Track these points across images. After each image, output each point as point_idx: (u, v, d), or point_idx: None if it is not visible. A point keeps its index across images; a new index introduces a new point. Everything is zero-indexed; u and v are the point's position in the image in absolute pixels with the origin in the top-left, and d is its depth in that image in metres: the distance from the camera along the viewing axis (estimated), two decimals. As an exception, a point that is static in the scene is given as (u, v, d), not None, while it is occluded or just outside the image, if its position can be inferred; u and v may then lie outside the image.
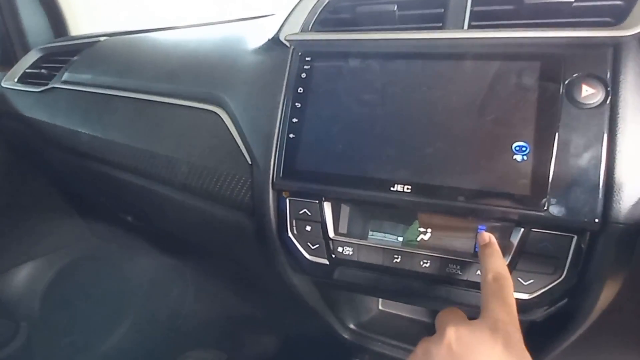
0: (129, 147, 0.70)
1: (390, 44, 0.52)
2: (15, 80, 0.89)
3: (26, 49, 0.97)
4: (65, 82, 0.80)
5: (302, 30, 0.57)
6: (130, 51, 0.78)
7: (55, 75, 0.83)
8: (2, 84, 0.89)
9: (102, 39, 0.83)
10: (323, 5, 0.57)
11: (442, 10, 0.51)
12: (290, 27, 0.57)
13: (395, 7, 0.52)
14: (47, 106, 0.81)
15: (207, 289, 1.05)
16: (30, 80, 0.88)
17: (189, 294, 1.01)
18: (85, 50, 0.83)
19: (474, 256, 0.47)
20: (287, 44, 0.56)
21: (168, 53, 0.72)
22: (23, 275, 1.05)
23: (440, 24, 0.51)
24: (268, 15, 0.70)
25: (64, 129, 0.78)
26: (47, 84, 0.83)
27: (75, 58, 0.83)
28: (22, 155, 0.98)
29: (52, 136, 0.81)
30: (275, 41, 0.57)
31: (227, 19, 0.76)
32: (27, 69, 0.90)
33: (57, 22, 1.00)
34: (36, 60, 0.91)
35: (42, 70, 0.88)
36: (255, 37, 0.63)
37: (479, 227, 0.48)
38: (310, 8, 0.57)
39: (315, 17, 0.57)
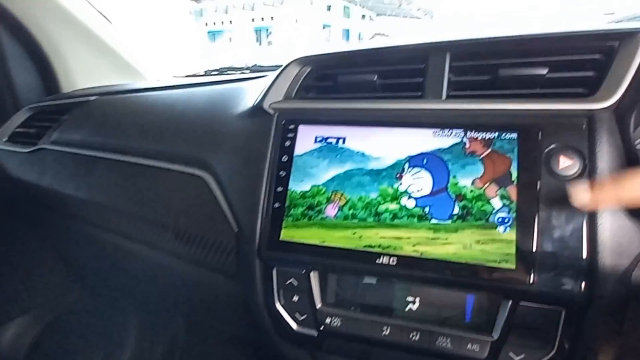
0: (116, 210, 0.69)
1: (371, 114, 0.53)
2: (4, 139, 0.89)
3: (17, 106, 0.98)
4: (53, 143, 0.80)
5: (286, 98, 0.58)
6: (119, 112, 0.79)
7: (44, 135, 0.83)
8: (-8, 144, 0.89)
9: (91, 98, 0.84)
10: (306, 74, 0.58)
11: (421, 79, 0.52)
12: (273, 94, 0.58)
13: (376, 76, 0.54)
14: (35, 167, 0.81)
15: (196, 350, 1.02)
16: (19, 140, 0.88)
17: (176, 355, 0.98)
18: (74, 110, 0.84)
19: (464, 328, 0.47)
20: (271, 111, 0.57)
21: (156, 115, 0.73)
22: (10, 332, 1.02)
23: (420, 93, 0.52)
24: (256, 78, 0.71)
25: (51, 190, 0.78)
26: (35, 144, 0.83)
27: (64, 117, 0.84)
28: (10, 213, 0.97)
29: (39, 197, 0.81)
30: (259, 108, 0.58)
31: (215, 79, 0.77)
32: (17, 128, 0.91)
33: (49, 78, 1.01)
34: (26, 120, 0.92)
35: (32, 130, 0.88)
36: (242, 101, 0.64)
37: (468, 297, 0.48)
38: (293, 76, 0.58)
39: (298, 84, 0.58)
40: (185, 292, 0.71)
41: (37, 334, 1.07)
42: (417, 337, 0.47)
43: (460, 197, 0.46)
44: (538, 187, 0.44)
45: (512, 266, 0.43)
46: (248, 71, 1.15)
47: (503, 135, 0.46)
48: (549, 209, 0.43)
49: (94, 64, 1.05)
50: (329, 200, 0.51)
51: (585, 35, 0.48)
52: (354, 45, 0.57)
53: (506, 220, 0.44)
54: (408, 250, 0.46)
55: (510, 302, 0.44)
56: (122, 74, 1.11)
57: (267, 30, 18.04)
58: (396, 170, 0.49)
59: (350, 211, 0.49)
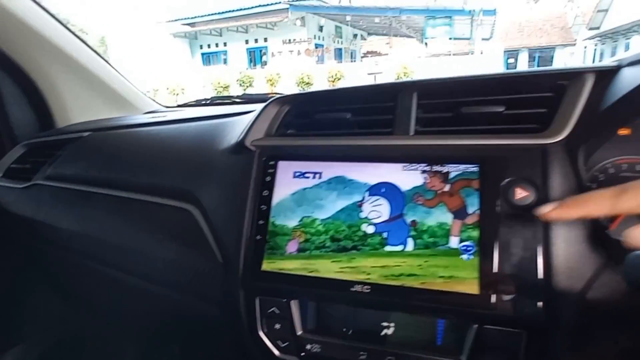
0: (108, 243, 0.72)
1: (345, 149, 0.57)
2: (0, 175, 0.92)
3: (14, 142, 1.02)
4: (47, 178, 0.84)
5: (266, 135, 0.62)
6: (112, 147, 0.83)
7: (38, 171, 0.87)
8: (-12, 180, 0.93)
9: (85, 134, 0.88)
10: (285, 112, 0.62)
11: (391, 117, 0.56)
12: (255, 132, 0.62)
13: (349, 114, 0.58)
14: (30, 202, 0.84)
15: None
16: (14, 175, 0.91)
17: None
18: (68, 146, 0.88)
19: (435, 351, 0.49)
20: (252, 148, 0.61)
21: (147, 150, 0.77)
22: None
23: (390, 130, 0.56)
24: (243, 113, 0.75)
25: (46, 224, 0.80)
26: (30, 179, 0.86)
27: (58, 153, 0.87)
28: (6, 246, 0.99)
29: (35, 230, 0.83)
30: (241, 145, 0.62)
31: (204, 115, 0.82)
32: (12, 164, 0.94)
33: (44, 114, 1.05)
34: (21, 155, 0.95)
35: (27, 165, 0.92)
36: (226, 137, 0.68)
37: (438, 321, 0.50)
38: (273, 115, 0.62)
39: (278, 122, 0.62)
40: (178, 320, 0.73)
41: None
42: None
43: (414, 223, 0.49)
44: (497, 216, 0.47)
45: (476, 292, 0.46)
46: (238, 99, 1.20)
47: (465, 168, 0.50)
48: (507, 237, 0.46)
49: (89, 98, 1.09)
50: (290, 237, 0.54)
51: (537, 75, 0.53)
52: (331, 86, 0.61)
53: (469, 249, 0.47)
54: (379, 278, 0.49)
55: (475, 326, 0.47)
56: (116, 107, 1.15)
57: (260, 51, 18.35)
58: (358, 199, 0.53)
59: (315, 243, 0.53)
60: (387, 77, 12.35)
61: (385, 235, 0.51)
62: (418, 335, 0.51)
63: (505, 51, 18.08)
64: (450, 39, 15.16)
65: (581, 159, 0.48)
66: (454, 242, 0.48)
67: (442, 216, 0.49)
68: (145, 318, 0.82)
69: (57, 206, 0.80)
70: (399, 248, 0.50)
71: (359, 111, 0.59)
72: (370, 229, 0.51)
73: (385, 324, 0.52)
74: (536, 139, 0.49)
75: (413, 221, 0.50)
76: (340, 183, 0.54)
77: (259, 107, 0.65)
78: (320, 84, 13.05)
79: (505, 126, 0.52)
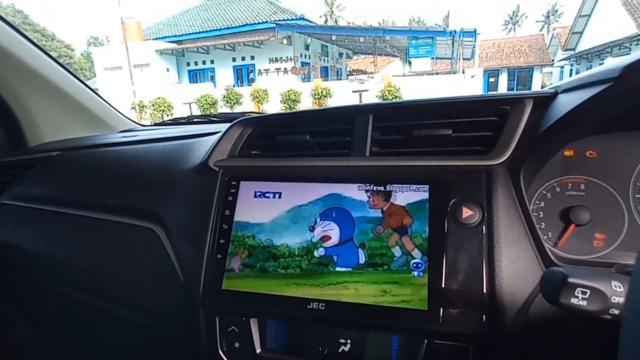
0: (71, 264, 0.72)
1: (304, 170, 0.58)
2: (-33, 195, 0.91)
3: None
4: (14, 198, 0.83)
5: (230, 156, 0.63)
6: (80, 167, 0.83)
7: (5, 190, 0.86)
8: (-46, 199, 0.91)
9: (54, 154, 0.88)
10: (247, 134, 0.64)
11: (348, 138, 0.59)
12: (218, 153, 0.63)
13: (308, 136, 0.60)
14: (-4, 222, 0.83)
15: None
16: None
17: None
18: (36, 165, 0.88)
19: None
20: (216, 169, 0.62)
21: (114, 170, 0.78)
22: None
23: (347, 151, 0.58)
24: (208, 134, 0.76)
25: (9, 245, 0.79)
26: (-3, 199, 0.86)
27: (26, 173, 0.87)
28: None
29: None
30: (205, 165, 0.63)
31: (172, 135, 0.83)
32: (-21, 183, 0.93)
33: (15, 134, 1.05)
34: (-11, 175, 0.94)
35: (-6, 185, 0.91)
36: (192, 157, 0.69)
37: (393, 337, 0.52)
38: (236, 136, 0.64)
39: (241, 144, 0.64)
40: (140, 341, 0.73)
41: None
42: None
43: (363, 245, 0.51)
44: (445, 234, 0.49)
45: (425, 308, 0.47)
46: (215, 118, 1.21)
47: (417, 188, 0.53)
48: (454, 255, 0.48)
49: (62, 118, 1.09)
50: (234, 254, 0.56)
51: (482, 101, 0.56)
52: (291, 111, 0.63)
53: (419, 265, 0.49)
54: (333, 296, 0.51)
55: (426, 342, 0.48)
56: (91, 126, 1.16)
57: (247, 69, 18.50)
58: (310, 223, 0.55)
59: (270, 263, 0.54)
60: (372, 94, 12.56)
61: (335, 258, 0.52)
62: (374, 351, 0.52)
63: (485, 71, 18.64)
64: (432, 58, 15.57)
65: (522, 177, 0.51)
66: (400, 261, 0.50)
67: (388, 238, 0.51)
68: (108, 340, 0.81)
69: (22, 226, 0.80)
70: (349, 269, 0.51)
71: (318, 133, 0.61)
72: (321, 252, 0.53)
73: (342, 340, 0.53)
74: (481, 161, 0.52)
75: (362, 244, 0.52)
76: (295, 206, 0.56)
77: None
78: (307, 101, 13.17)
79: (453, 148, 0.55)
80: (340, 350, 0.53)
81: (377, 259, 0.51)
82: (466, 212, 0.50)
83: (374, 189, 0.54)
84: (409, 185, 0.53)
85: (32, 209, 0.80)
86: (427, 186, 0.52)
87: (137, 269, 0.65)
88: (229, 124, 0.65)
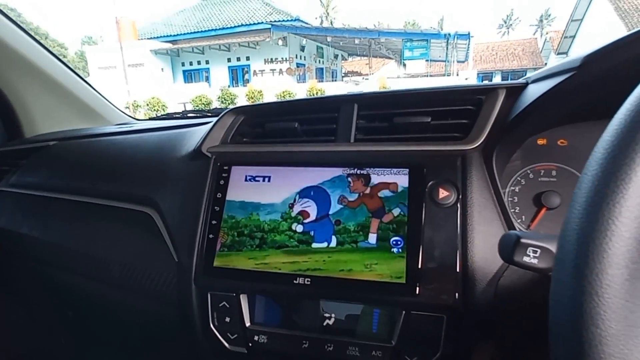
0: (68, 248, 0.74)
1: (292, 155, 0.62)
2: (-36, 183, 0.93)
3: (-21, 151, 1.03)
4: (11, 185, 0.85)
5: (222, 143, 0.66)
6: (76, 156, 0.86)
7: (2, 179, 0.88)
8: (-49, 187, 0.93)
9: (50, 143, 0.91)
10: (239, 122, 0.67)
11: (334, 126, 0.62)
12: (211, 140, 0.66)
13: (297, 124, 0.63)
14: (-7, 208, 0.86)
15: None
16: None
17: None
18: (33, 155, 0.90)
19: (370, 338, 0.54)
20: (209, 154, 0.66)
21: (109, 158, 0.80)
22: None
23: (333, 138, 0.62)
24: (201, 124, 0.79)
25: (6, 230, 0.82)
26: (-6, 187, 0.88)
27: (23, 162, 0.89)
28: None
29: (-5, 237, 0.84)
30: (198, 152, 0.66)
31: (164, 125, 0.86)
32: (-23, 171, 0.95)
33: (11, 124, 1.07)
34: (-14, 163, 0.96)
35: (-9, 173, 0.93)
36: (185, 145, 0.72)
37: (374, 310, 0.55)
38: (228, 124, 0.67)
39: (233, 131, 0.67)
40: (135, 322, 0.75)
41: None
42: (332, 348, 0.54)
43: (339, 222, 0.55)
44: (424, 214, 0.53)
45: (403, 282, 0.51)
46: (210, 114, 1.24)
47: (398, 172, 0.56)
48: (431, 232, 0.52)
49: (58, 110, 1.11)
50: (225, 234, 0.59)
51: (459, 91, 0.59)
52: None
53: (399, 243, 0.53)
54: (318, 271, 0.54)
55: (404, 313, 0.52)
56: (87, 119, 1.18)
57: (242, 69, 18.51)
58: (289, 202, 0.58)
59: (249, 240, 0.58)
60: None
61: (312, 233, 0.56)
62: (356, 324, 0.55)
63: (479, 73, 18.81)
64: (427, 60, 15.71)
65: (496, 162, 0.54)
66: (372, 238, 0.53)
67: (362, 216, 0.55)
68: (103, 322, 0.83)
69: (19, 212, 0.82)
70: (324, 244, 0.55)
71: (306, 121, 0.64)
72: (299, 228, 0.56)
73: (326, 315, 0.56)
74: (457, 146, 0.55)
75: (337, 220, 0.55)
76: (282, 189, 0.60)
77: None
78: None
79: (431, 134, 0.58)
80: (324, 324, 0.56)
81: (354, 236, 0.54)
82: (442, 193, 0.53)
83: (356, 172, 0.57)
84: (390, 169, 0.56)
85: (29, 195, 0.82)
86: (407, 170, 0.56)
87: (132, 251, 0.68)
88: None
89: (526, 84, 0.56)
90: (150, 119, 1.39)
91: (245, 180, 0.62)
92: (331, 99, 0.64)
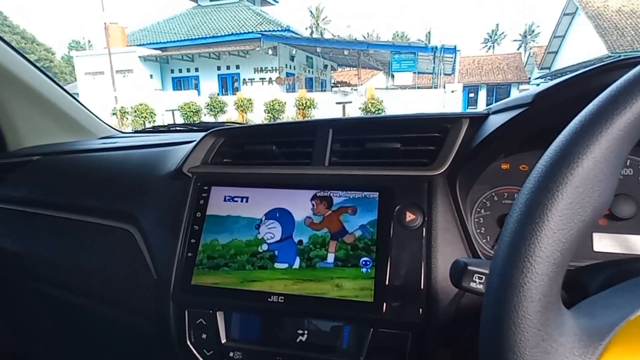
0: (50, 263, 0.75)
1: (269, 177, 0.65)
2: (-55, 196, 0.93)
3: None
4: None
5: (203, 163, 0.69)
6: (60, 171, 0.87)
7: (-15, 192, 0.89)
8: None
9: (34, 158, 0.92)
10: (220, 144, 0.70)
11: (310, 149, 0.65)
12: (192, 160, 0.69)
13: (274, 147, 0.67)
14: (-26, 222, 0.86)
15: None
16: None
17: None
18: (17, 169, 0.91)
19: (341, 353, 0.56)
20: (189, 174, 0.68)
21: (93, 174, 0.82)
22: None
23: (309, 161, 0.65)
24: (184, 142, 0.82)
25: None
26: (-24, 201, 0.88)
27: (7, 176, 0.90)
28: None
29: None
30: (179, 171, 0.69)
31: (149, 143, 0.88)
32: (-41, 185, 0.95)
33: (-5, 137, 1.07)
34: (-31, 177, 0.97)
35: (-27, 187, 0.93)
36: (167, 164, 0.75)
37: (345, 327, 0.58)
38: (209, 145, 0.70)
39: (213, 153, 0.70)
40: (114, 335, 0.76)
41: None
42: None
43: (301, 242, 0.58)
44: (391, 235, 0.56)
45: (371, 300, 0.54)
46: (195, 127, 1.26)
47: (369, 195, 0.59)
48: (398, 254, 0.55)
49: (42, 123, 1.12)
50: (202, 252, 0.62)
51: (427, 119, 0.63)
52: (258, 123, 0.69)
53: (368, 263, 0.56)
54: (291, 290, 0.57)
55: (372, 330, 0.54)
56: (71, 132, 1.19)
57: (232, 77, 18.54)
58: (256, 223, 0.61)
59: (225, 259, 0.61)
60: (355, 106, 12.79)
61: (276, 253, 0.59)
62: (327, 340, 0.58)
63: (465, 86, 19.19)
64: (415, 72, 15.98)
65: (460, 187, 0.58)
66: (330, 258, 0.56)
67: (323, 237, 0.58)
68: (83, 335, 0.84)
69: (2, 226, 0.83)
70: (285, 265, 0.58)
71: (283, 144, 0.67)
72: (264, 247, 0.60)
73: (300, 331, 0.59)
74: (424, 171, 0.59)
75: (300, 240, 0.58)
76: (257, 209, 0.62)
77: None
78: (291, 111, 13.29)
79: (401, 160, 0.62)
80: (297, 340, 0.59)
81: (313, 257, 0.57)
82: (409, 216, 0.57)
83: (321, 194, 0.60)
84: (360, 192, 0.60)
85: (12, 210, 0.83)
86: (377, 193, 0.59)
87: (113, 267, 0.69)
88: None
89: (487, 115, 0.60)
90: (135, 132, 1.40)
91: (224, 200, 0.64)
92: (308, 123, 0.67)
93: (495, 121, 0.57)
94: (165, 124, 1.39)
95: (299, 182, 0.63)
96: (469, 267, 0.36)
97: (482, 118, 0.60)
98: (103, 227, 0.73)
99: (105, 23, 15.66)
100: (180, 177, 0.69)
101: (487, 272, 0.36)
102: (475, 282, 0.36)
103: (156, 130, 1.37)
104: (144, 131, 1.42)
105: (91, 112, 1.27)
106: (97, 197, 0.77)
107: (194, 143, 0.71)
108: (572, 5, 17.07)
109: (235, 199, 0.64)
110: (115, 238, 0.71)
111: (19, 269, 0.80)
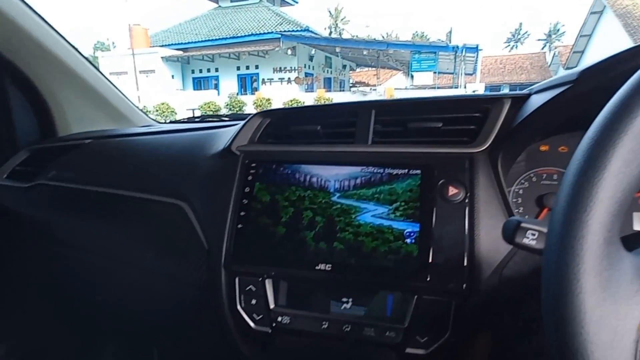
0: (104, 236, 0.81)
1: (315, 155, 0.68)
2: (4, 176, 1.00)
3: (15, 148, 1.10)
4: (50, 179, 0.92)
5: (250, 142, 0.73)
6: (111, 153, 0.93)
7: (41, 173, 0.95)
8: (-8, 180, 1.01)
9: (86, 141, 0.98)
10: (266, 124, 0.74)
11: (353, 129, 0.68)
12: (240, 139, 0.73)
13: (319, 127, 0.70)
14: (32, 200, 0.92)
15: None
16: (18, 177, 1.00)
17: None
18: (70, 151, 0.97)
19: (384, 320, 0.59)
20: (238, 152, 0.72)
21: (143, 156, 0.87)
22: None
23: (352, 140, 0.68)
24: (226, 126, 0.86)
25: (46, 220, 0.88)
26: (33, 180, 0.95)
27: (61, 157, 0.96)
28: (6, 241, 1.06)
29: (34, 227, 0.91)
30: (228, 150, 0.73)
31: (194, 127, 0.92)
32: (16, 166, 1.02)
33: (46, 124, 1.14)
34: (25, 159, 1.04)
35: (30, 168, 1.00)
36: (215, 144, 0.79)
37: (388, 296, 0.61)
38: (256, 125, 0.74)
39: (260, 132, 0.74)
40: (162, 306, 0.81)
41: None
42: (349, 329, 0.60)
43: (371, 215, 0.61)
44: (434, 209, 0.59)
45: (415, 268, 0.56)
46: (227, 119, 1.31)
47: (411, 171, 0.62)
48: (441, 225, 0.57)
49: (89, 111, 1.19)
50: (252, 224, 0.66)
51: (469, 99, 0.65)
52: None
53: (412, 234, 0.58)
54: (339, 258, 0.59)
55: (415, 297, 0.57)
56: (114, 121, 1.25)
57: (251, 77, 18.74)
58: (326, 195, 0.64)
59: (274, 229, 0.64)
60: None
61: (344, 223, 0.61)
62: (371, 307, 0.61)
63: (487, 86, 18.89)
64: (435, 72, 15.84)
65: (501, 164, 0.60)
66: (396, 227, 0.59)
67: (385, 209, 0.60)
68: (129, 317, 0.89)
69: (57, 203, 0.89)
70: (353, 235, 0.61)
71: (327, 124, 0.70)
72: (333, 217, 0.62)
73: (345, 299, 0.62)
74: (465, 149, 0.61)
75: (366, 212, 0.61)
76: (305, 184, 0.66)
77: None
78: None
79: (442, 138, 0.64)
80: (342, 308, 0.62)
81: (373, 227, 0.60)
82: (452, 191, 0.59)
83: (374, 170, 0.63)
84: (404, 169, 0.62)
85: (67, 188, 0.89)
86: (420, 169, 0.62)
87: (164, 238, 0.74)
88: (241, 121, 0.75)
89: (529, 95, 0.62)
90: (171, 122, 1.46)
91: (272, 176, 0.68)
92: (351, 105, 0.70)
93: (537, 100, 0.58)
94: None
95: (343, 160, 0.66)
96: (522, 225, 0.38)
97: (524, 98, 0.62)
98: (153, 203, 0.78)
99: (129, 24, 16.07)
100: (228, 155, 0.73)
101: (539, 228, 0.38)
102: (528, 238, 0.38)
103: (190, 120, 1.42)
104: (178, 122, 1.48)
105: (132, 103, 1.33)
106: (147, 176, 0.82)
107: (242, 123, 0.74)
108: (599, 4, 16.60)
109: (282, 175, 0.67)
110: (166, 213, 0.75)
111: (73, 241, 0.86)
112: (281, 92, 15.39)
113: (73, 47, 1.15)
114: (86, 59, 1.19)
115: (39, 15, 1.00)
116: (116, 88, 1.28)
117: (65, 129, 1.17)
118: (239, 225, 0.66)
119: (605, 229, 0.27)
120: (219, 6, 21.54)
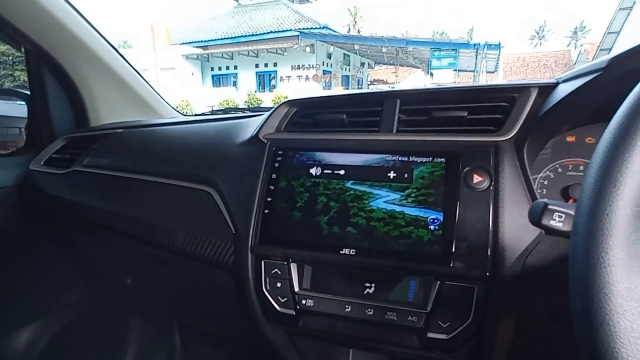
0: (136, 219, 0.84)
1: (340, 142, 0.69)
2: (42, 163, 1.06)
3: (51, 136, 1.16)
4: (85, 166, 0.97)
5: (276, 131, 0.75)
6: (143, 142, 0.97)
7: (76, 160, 1.00)
8: (31, 167, 1.06)
9: (118, 130, 1.02)
10: (292, 113, 0.76)
11: (378, 118, 0.70)
12: (267, 128, 0.75)
13: (344, 115, 0.71)
14: (68, 185, 0.97)
15: (195, 349, 1.13)
16: (54, 164, 1.05)
17: (178, 355, 1.09)
18: (104, 139, 1.02)
19: (407, 305, 0.60)
20: (265, 140, 0.74)
21: (173, 144, 0.90)
22: (23, 337, 1.13)
23: (377, 128, 0.69)
24: (252, 116, 0.89)
25: (81, 204, 0.93)
26: (69, 167, 1.00)
27: (95, 145, 1.01)
28: (37, 225, 1.12)
29: (70, 210, 0.96)
30: (255, 138, 0.75)
31: (221, 117, 0.95)
32: (53, 154, 1.08)
33: (81, 114, 1.19)
34: (61, 147, 1.09)
35: (66, 155, 1.05)
36: (242, 133, 0.81)
37: (411, 281, 0.62)
38: (282, 114, 0.76)
39: (287, 121, 0.76)
40: (190, 287, 0.84)
41: (47, 341, 1.18)
42: (372, 313, 0.61)
43: (395, 202, 0.62)
44: (458, 196, 0.59)
45: (439, 254, 0.57)
46: (248, 111, 1.34)
47: (435, 159, 0.63)
48: (465, 212, 0.58)
49: (120, 103, 1.24)
50: (278, 209, 0.68)
51: (495, 89, 0.66)
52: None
53: (436, 221, 0.59)
54: (362, 243, 0.61)
55: (438, 283, 0.58)
56: (143, 113, 1.30)
57: (269, 75, 18.86)
58: (349, 182, 0.65)
59: (300, 214, 0.66)
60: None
61: (368, 209, 0.63)
62: (394, 292, 0.62)
63: (508, 84, 18.43)
64: (455, 70, 15.60)
65: (527, 153, 0.60)
66: (426, 216, 0.60)
67: (410, 196, 0.61)
68: (164, 284, 0.93)
69: (93, 189, 0.93)
70: (377, 221, 0.62)
71: (353, 113, 0.72)
72: (354, 203, 0.64)
73: (367, 284, 0.63)
74: (491, 137, 0.62)
75: (391, 199, 0.62)
76: (331, 171, 0.67)
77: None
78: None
79: (467, 127, 0.65)
80: (365, 292, 0.63)
81: (397, 212, 0.61)
82: (476, 179, 0.59)
83: (398, 158, 0.64)
84: (428, 158, 0.63)
85: (101, 174, 0.93)
86: (444, 157, 0.62)
87: (194, 223, 0.77)
88: (265, 112, 0.77)
89: (557, 84, 0.62)
90: (196, 115, 1.50)
91: (298, 163, 0.70)
92: (376, 94, 0.72)
93: (564, 89, 0.58)
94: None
95: (368, 148, 0.67)
96: (550, 206, 0.39)
97: (551, 87, 0.62)
98: (183, 189, 0.81)
99: (151, 23, 16.39)
100: (256, 143, 0.75)
101: (566, 210, 0.38)
102: (555, 219, 0.39)
103: (214, 113, 1.46)
104: (203, 114, 1.51)
105: (160, 96, 1.38)
106: (177, 163, 0.85)
107: (269, 112, 0.77)
108: (628, 0, 16.03)
109: (308, 162, 0.69)
110: (195, 198, 0.78)
111: (107, 224, 0.90)
112: (299, 90, 15.44)
113: (107, 41, 1.20)
114: (119, 53, 1.24)
115: (77, 11, 1.05)
116: (146, 81, 1.32)
117: (97, 120, 1.21)
118: (266, 211, 0.68)
119: (634, 203, 0.27)
120: (239, 4, 21.74)
